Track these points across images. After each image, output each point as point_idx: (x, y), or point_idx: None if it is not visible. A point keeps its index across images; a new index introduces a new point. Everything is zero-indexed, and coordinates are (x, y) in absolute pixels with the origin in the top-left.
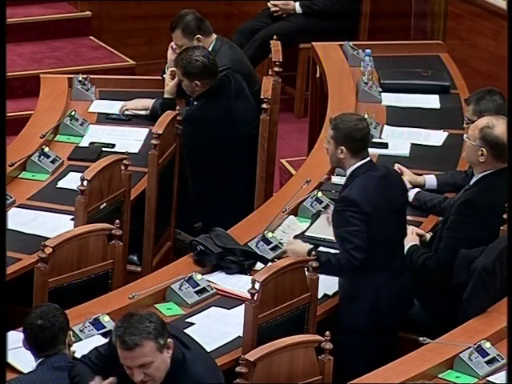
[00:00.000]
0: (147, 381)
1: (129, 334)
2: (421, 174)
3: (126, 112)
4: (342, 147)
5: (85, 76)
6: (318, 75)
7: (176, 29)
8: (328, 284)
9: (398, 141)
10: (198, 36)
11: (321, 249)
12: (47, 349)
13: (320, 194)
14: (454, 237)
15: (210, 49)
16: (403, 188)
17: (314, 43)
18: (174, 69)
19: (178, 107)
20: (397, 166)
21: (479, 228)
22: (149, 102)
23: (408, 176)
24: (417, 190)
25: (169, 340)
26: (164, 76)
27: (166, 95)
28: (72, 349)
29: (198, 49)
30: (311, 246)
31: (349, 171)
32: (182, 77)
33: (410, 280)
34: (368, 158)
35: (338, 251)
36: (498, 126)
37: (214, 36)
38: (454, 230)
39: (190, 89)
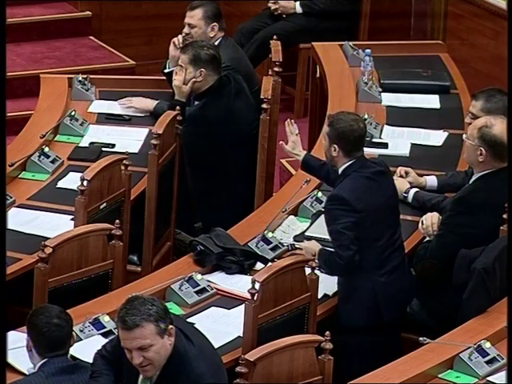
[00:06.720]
0: (146, 365)
1: (130, 314)
2: (421, 174)
3: (128, 110)
4: (335, 145)
5: (85, 76)
6: (318, 75)
7: (198, 8)
8: (328, 284)
9: (398, 141)
10: (215, 24)
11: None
12: (58, 348)
13: (320, 193)
14: (447, 230)
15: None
16: (393, 185)
17: (314, 43)
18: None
19: (177, 107)
20: (402, 169)
21: (471, 225)
22: (151, 104)
23: (412, 177)
24: (415, 189)
25: (170, 326)
26: (164, 71)
27: (177, 97)
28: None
29: (205, 42)
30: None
31: (340, 170)
32: (189, 64)
33: (411, 277)
34: (359, 156)
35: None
36: (497, 126)
37: (222, 34)
38: (446, 225)
39: (191, 77)
